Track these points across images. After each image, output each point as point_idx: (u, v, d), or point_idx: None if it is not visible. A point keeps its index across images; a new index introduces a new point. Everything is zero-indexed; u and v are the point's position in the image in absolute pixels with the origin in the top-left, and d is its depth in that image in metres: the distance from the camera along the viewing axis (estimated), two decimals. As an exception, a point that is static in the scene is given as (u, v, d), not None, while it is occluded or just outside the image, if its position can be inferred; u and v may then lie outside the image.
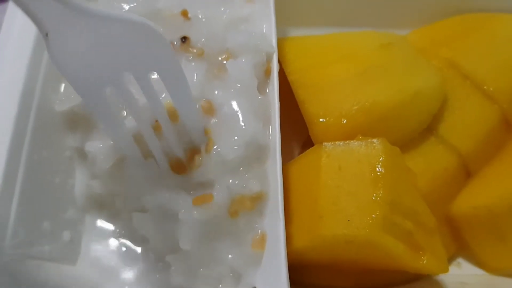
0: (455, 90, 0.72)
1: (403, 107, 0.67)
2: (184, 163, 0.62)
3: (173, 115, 0.59)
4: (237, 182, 0.56)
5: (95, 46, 0.51)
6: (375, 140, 0.59)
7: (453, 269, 0.71)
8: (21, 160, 0.60)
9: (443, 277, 0.69)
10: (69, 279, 0.61)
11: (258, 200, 0.57)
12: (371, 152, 0.58)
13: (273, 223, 0.55)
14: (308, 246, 0.57)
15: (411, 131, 0.69)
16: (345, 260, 0.59)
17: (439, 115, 0.71)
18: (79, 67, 0.52)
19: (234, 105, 0.63)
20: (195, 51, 0.67)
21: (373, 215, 0.54)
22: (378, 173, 0.57)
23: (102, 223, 0.67)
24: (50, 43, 0.50)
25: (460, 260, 0.72)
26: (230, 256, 0.56)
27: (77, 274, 0.62)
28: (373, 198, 0.55)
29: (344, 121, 0.65)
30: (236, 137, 0.59)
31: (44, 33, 0.50)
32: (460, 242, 0.71)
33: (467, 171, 0.71)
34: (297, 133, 0.77)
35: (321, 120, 0.66)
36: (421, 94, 0.68)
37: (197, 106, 0.62)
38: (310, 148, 0.64)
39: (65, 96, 0.67)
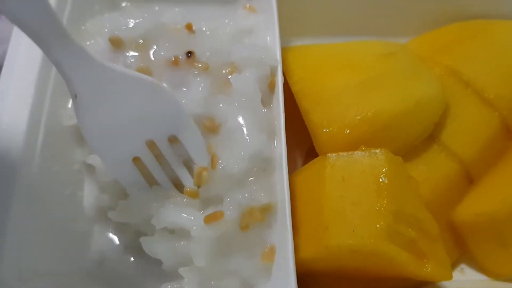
0: (456, 98, 0.73)
1: (405, 116, 0.68)
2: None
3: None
4: (246, 194, 0.58)
5: (118, 109, 0.57)
6: (377, 151, 0.60)
7: (456, 275, 0.72)
8: (32, 173, 0.62)
9: (446, 283, 0.69)
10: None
11: (267, 212, 0.59)
12: (374, 163, 0.60)
13: (281, 235, 0.57)
14: (314, 256, 0.58)
15: (414, 139, 0.70)
16: (351, 269, 0.61)
17: (440, 122, 0.72)
18: (104, 132, 0.58)
19: (239, 119, 0.64)
20: (200, 65, 0.69)
21: (378, 225, 0.56)
22: (382, 183, 0.58)
23: (111, 235, 0.68)
24: (79, 104, 0.54)
25: (463, 266, 0.73)
26: (241, 268, 0.58)
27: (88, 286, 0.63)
28: (377, 208, 0.57)
29: (347, 131, 0.67)
30: (240, 151, 0.61)
31: (73, 95, 0.54)
32: (462, 248, 0.72)
33: (469, 178, 0.72)
34: (300, 142, 0.79)
35: (324, 130, 0.68)
36: (423, 102, 0.69)
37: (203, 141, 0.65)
38: (315, 159, 0.65)
39: (73, 111, 0.68)
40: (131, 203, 0.63)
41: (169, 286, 0.59)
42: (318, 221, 0.59)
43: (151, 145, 0.61)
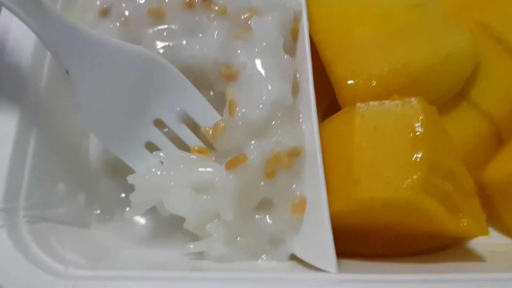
0: (487, 54, 0.70)
1: (436, 69, 0.65)
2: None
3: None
4: (270, 139, 0.54)
5: (118, 89, 0.56)
6: (412, 99, 0.57)
7: (482, 237, 0.69)
8: (34, 121, 0.58)
9: (471, 246, 0.68)
10: (85, 242, 0.59)
11: (295, 157, 0.55)
12: (409, 112, 0.57)
13: (312, 185, 0.53)
14: (343, 211, 0.55)
15: (443, 94, 0.67)
16: (380, 225, 0.58)
17: (471, 79, 0.69)
18: (108, 118, 0.56)
19: (259, 65, 0.61)
20: (216, 8, 0.65)
21: (414, 177, 0.53)
22: (418, 133, 0.55)
23: (118, 189, 0.63)
24: (74, 82, 0.53)
25: (489, 229, 0.70)
26: (269, 221, 0.54)
27: (94, 238, 0.60)
28: (413, 159, 0.54)
29: (374, 83, 0.63)
30: (262, 97, 0.57)
31: (65, 70, 0.53)
32: (489, 210, 0.69)
33: (499, 138, 0.70)
34: (319, 99, 0.74)
35: (349, 82, 0.64)
36: (454, 56, 0.66)
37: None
38: (342, 109, 0.62)
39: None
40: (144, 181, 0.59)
41: (192, 246, 0.55)
42: (348, 174, 0.56)
43: (159, 124, 0.59)
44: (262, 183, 0.54)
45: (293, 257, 0.57)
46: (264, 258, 0.55)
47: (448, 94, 0.68)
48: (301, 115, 0.60)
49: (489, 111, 0.68)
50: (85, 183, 0.65)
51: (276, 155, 0.54)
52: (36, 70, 0.59)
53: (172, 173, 0.58)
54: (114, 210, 0.65)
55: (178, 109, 0.60)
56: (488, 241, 0.69)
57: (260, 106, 0.56)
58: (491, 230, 0.70)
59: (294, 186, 0.56)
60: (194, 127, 0.62)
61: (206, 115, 0.61)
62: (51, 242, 0.54)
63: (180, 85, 0.60)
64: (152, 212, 0.61)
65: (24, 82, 0.57)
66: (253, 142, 0.55)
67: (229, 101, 0.58)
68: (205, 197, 0.55)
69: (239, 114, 0.57)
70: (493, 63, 0.70)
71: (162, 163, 0.59)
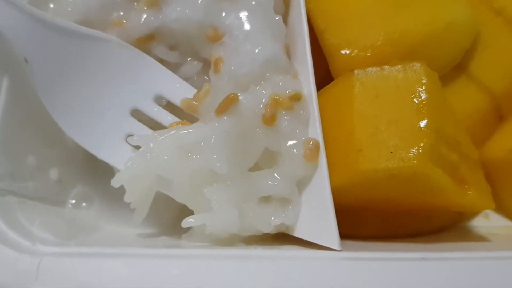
0: (486, 26, 0.68)
1: (434, 39, 0.62)
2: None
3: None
4: (268, 85, 0.51)
5: (86, 79, 0.53)
6: (415, 64, 0.54)
7: (480, 220, 0.67)
8: (3, 85, 0.54)
9: (470, 228, 0.66)
10: (57, 219, 0.54)
11: (296, 101, 0.50)
12: (411, 77, 0.54)
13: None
14: (344, 184, 0.52)
15: (442, 66, 0.65)
16: (382, 199, 0.55)
17: (470, 52, 0.66)
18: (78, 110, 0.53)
19: (247, 25, 0.57)
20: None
21: (420, 145, 0.50)
22: (421, 99, 0.52)
23: (97, 162, 0.58)
24: (33, 72, 0.50)
25: (487, 211, 0.68)
26: (277, 179, 0.50)
27: (68, 215, 0.56)
28: (418, 126, 0.51)
29: (369, 53, 0.61)
30: (252, 55, 0.54)
31: (23, 58, 0.50)
32: (489, 190, 0.67)
33: (499, 114, 0.68)
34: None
35: (343, 52, 0.61)
36: (453, 26, 0.63)
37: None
38: (340, 77, 0.59)
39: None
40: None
41: (192, 219, 0.50)
42: (349, 144, 0.52)
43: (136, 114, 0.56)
44: (261, 131, 0.50)
45: (293, 238, 0.53)
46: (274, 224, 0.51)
47: (447, 67, 0.65)
48: (299, 76, 0.56)
49: (489, 85, 0.66)
50: (58, 157, 0.60)
51: (275, 98, 0.50)
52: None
53: (154, 153, 0.52)
54: (92, 187, 0.61)
55: (154, 94, 0.57)
56: (487, 224, 0.67)
57: (250, 62, 0.53)
58: (489, 212, 0.68)
59: (297, 131, 0.52)
60: (174, 109, 0.58)
61: (184, 94, 0.58)
62: (17, 216, 0.50)
63: (151, 68, 0.57)
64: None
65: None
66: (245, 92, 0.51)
67: (214, 60, 0.54)
68: (194, 157, 0.50)
69: (226, 70, 0.53)
70: (492, 36, 0.68)
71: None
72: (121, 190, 0.52)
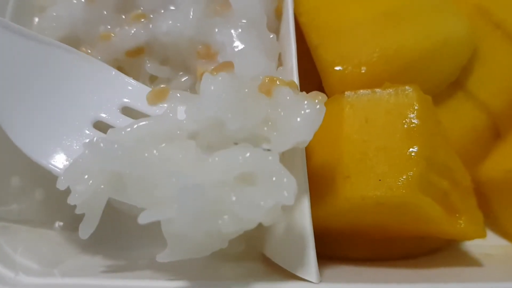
0: (485, 41, 0.67)
1: (430, 55, 0.61)
2: None
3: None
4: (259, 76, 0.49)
5: (43, 90, 0.51)
6: (407, 88, 0.54)
7: (476, 240, 0.66)
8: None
9: (465, 248, 0.65)
10: (42, 244, 0.54)
11: (291, 86, 0.49)
12: (403, 101, 0.53)
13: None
14: (331, 211, 0.52)
15: (438, 83, 0.64)
16: (368, 226, 0.54)
17: (467, 67, 0.66)
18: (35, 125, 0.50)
19: (240, 44, 0.56)
20: (192, -19, 0.59)
21: (409, 173, 0.49)
22: (412, 125, 0.52)
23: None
24: None
25: (485, 230, 0.67)
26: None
27: (54, 239, 0.56)
28: (408, 153, 0.51)
29: (364, 70, 0.60)
30: (243, 71, 0.52)
31: None
32: (484, 209, 0.65)
33: (496, 131, 0.67)
34: (304, 84, 0.70)
35: (336, 68, 0.60)
36: (450, 41, 0.63)
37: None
38: (329, 98, 0.57)
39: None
40: None
41: (148, 213, 0.43)
42: (337, 170, 0.52)
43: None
44: (260, 97, 0.46)
45: (269, 261, 0.53)
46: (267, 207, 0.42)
47: (443, 83, 0.65)
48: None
49: (487, 102, 0.65)
50: (43, 176, 0.57)
51: (268, 78, 0.48)
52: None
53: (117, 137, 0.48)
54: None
55: (120, 105, 0.54)
56: (483, 243, 0.65)
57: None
58: (486, 232, 0.67)
59: (297, 104, 0.47)
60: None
61: None
62: (0, 244, 0.49)
63: (117, 80, 0.55)
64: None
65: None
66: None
67: (200, 74, 0.54)
68: (153, 149, 0.45)
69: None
70: (491, 50, 0.67)
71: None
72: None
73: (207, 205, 0.41)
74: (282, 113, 0.46)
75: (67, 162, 0.50)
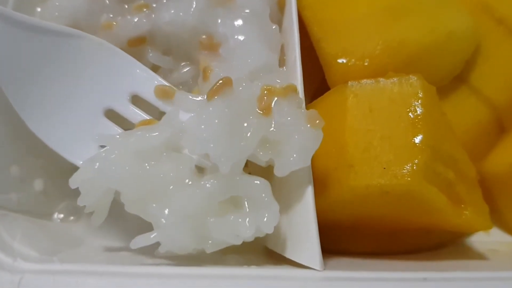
0: (487, 36, 0.67)
1: (434, 49, 0.61)
2: None
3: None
4: (258, 83, 0.49)
5: (55, 76, 0.52)
6: (411, 77, 0.54)
7: (480, 235, 0.66)
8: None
9: (470, 244, 0.64)
10: (41, 233, 0.54)
11: (290, 92, 0.49)
12: (407, 90, 0.53)
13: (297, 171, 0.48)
14: (335, 201, 0.51)
15: (442, 77, 0.64)
16: (372, 218, 0.53)
17: (471, 62, 0.66)
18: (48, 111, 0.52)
19: (242, 34, 0.56)
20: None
21: (415, 161, 0.49)
22: (417, 114, 0.52)
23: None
24: None
25: (489, 225, 0.66)
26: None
27: (54, 229, 0.55)
28: (413, 142, 0.50)
29: (367, 63, 0.60)
30: (244, 65, 0.54)
31: None
32: (489, 205, 0.65)
33: (500, 126, 0.67)
34: (306, 80, 0.70)
35: (339, 61, 0.60)
36: (454, 35, 0.62)
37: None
38: (333, 88, 0.58)
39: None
40: None
41: (140, 240, 0.47)
42: (340, 159, 0.52)
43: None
44: (256, 120, 0.47)
45: (271, 253, 0.52)
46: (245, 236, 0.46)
47: (447, 78, 0.64)
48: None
49: (490, 96, 0.65)
50: (44, 168, 0.59)
51: (267, 87, 0.48)
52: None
53: (114, 156, 0.49)
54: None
55: (129, 92, 0.55)
56: (487, 239, 0.66)
57: (239, 72, 0.52)
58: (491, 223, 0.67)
59: (297, 117, 0.48)
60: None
61: None
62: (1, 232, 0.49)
63: (128, 66, 0.56)
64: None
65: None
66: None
67: (203, 68, 0.54)
68: (150, 164, 0.48)
69: (215, 78, 0.52)
70: (494, 46, 0.67)
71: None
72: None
73: (189, 233, 0.45)
74: (280, 136, 0.47)
75: (79, 150, 0.53)
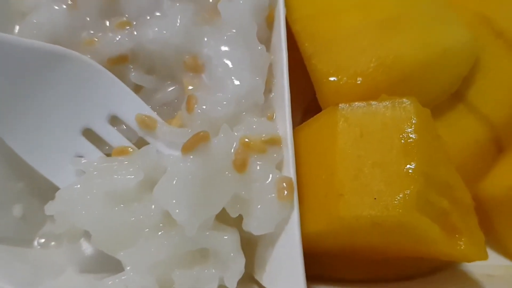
0: (486, 50, 0.65)
1: (430, 65, 0.60)
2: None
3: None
4: (242, 127, 0.49)
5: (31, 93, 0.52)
6: (404, 100, 0.52)
7: (477, 260, 0.64)
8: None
9: (465, 269, 0.63)
10: (19, 263, 0.53)
11: (271, 144, 0.50)
12: (400, 115, 0.51)
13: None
14: (323, 230, 0.50)
15: (438, 95, 0.62)
16: (363, 247, 0.52)
17: (469, 78, 0.64)
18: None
19: (227, 55, 0.55)
20: (179, -12, 0.58)
21: (406, 191, 0.47)
22: (410, 140, 0.50)
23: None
24: None
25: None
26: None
27: (32, 258, 0.55)
28: (405, 170, 0.48)
29: (360, 81, 0.58)
30: (227, 92, 0.53)
31: None
32: (486, 228, 0.63)
33: (498, 146, 0.65)
34: (297, 97, 0.68)
35: (331, 79, 0.59)
36: (451, 51, 0.61)
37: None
38: (322, 111, 0.57)
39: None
40: None
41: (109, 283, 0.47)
42: (330, 187, 0.50)
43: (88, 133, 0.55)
44: (230, 176, 0.47)
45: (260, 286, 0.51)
46: None
47: (443, 95, 0.63)
48: (275, 115, 0.54)
49: (488, 114, 0.64)
50: (23, 192, 0.58)
51: (245, 141, 0.48)
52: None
53: (88, 187, 0.51)
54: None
55: (108, 113, 0.56)
56: (484, 263, 0.63)
57: (224, 102, 0.51)
58: (487, 251, 0.65)
59: (271, 175, 0.49)
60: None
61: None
62: None
63: (108, 85, 0.56)
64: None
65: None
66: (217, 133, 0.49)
67: (187, 96, 0.53)
68: (121, 208, 0.49)
69: (199, 111, 0.51)
70: (493, 60, 0.65)
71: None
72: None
73: (154, 283, 0.46)
74: (250, 196, 0.48)
75: (55, 167, 0.54)
